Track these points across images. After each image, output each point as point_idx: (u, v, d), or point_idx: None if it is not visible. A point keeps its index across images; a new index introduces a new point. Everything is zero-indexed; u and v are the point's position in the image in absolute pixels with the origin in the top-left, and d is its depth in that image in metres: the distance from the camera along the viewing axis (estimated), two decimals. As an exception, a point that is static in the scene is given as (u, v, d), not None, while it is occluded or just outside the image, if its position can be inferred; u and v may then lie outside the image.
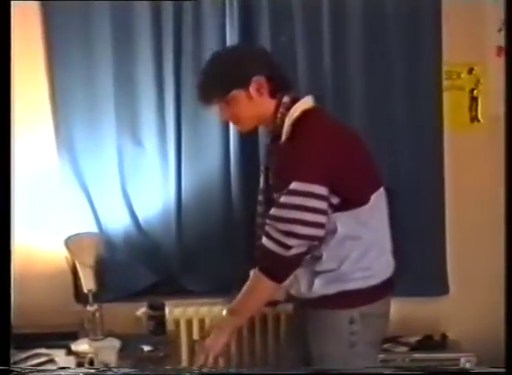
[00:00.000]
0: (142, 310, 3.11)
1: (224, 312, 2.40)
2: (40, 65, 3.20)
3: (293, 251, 2.20)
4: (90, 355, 2.59)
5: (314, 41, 3.17)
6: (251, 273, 2.36)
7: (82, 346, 2.84)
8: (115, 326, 3.03)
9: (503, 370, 1.76)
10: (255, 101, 2.33)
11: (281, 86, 2.36)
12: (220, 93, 2.35)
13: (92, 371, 1.95)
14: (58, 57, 3.19)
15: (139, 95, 3.23)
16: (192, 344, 3.26)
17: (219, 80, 2.35)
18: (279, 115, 2.33)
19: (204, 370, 2.33)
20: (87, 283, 2.95)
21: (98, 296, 3.01)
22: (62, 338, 2.91)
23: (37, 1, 3.17)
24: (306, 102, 2.35)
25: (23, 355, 2.68)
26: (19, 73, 3.10)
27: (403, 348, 3.12)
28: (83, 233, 3.08)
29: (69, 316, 3.11)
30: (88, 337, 2.93)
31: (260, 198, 2.48)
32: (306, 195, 2.17)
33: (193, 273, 3.30)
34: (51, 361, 2.67)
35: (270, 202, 2.30)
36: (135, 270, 3.29)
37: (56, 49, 3.19)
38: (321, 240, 2.23)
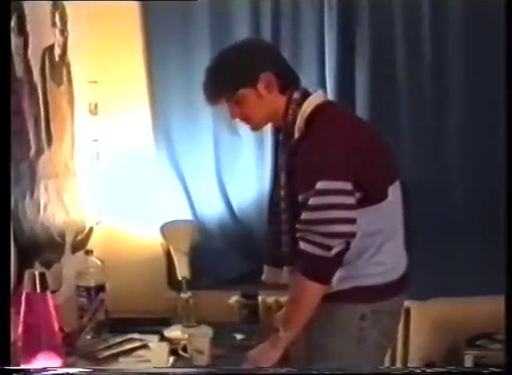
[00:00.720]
0: (235, 298, 3.11)
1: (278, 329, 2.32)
2: (138, 55, 3.23)
3: (334, 251, 2.16)
4: (183, 342, 2.61)
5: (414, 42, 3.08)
6: (285, 276, 2.38)
7: (175, 332, 2.86)
8: (207, 313, 3.04)
9: (503, 370, 1.71)
10: (265, 99, 2.29)
11: (290, 81, 2.33)
12: (228, 92, 2.31)
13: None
14: (156, 47, 3.21)
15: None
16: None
17: (226, 78, 2.30)
18: (290, 111, 2.28)
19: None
20: (182, 271, 2.97)
21: (192, 283, 3.03)
22: (155, 324, 2.94)
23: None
24: (317, 97, 2.31)
25: (118, 339, 2.70)
26: (116, 64, 3.17)
27: (497, 345, 3.03)
28: (179, 221, 3.11)
29: (161, 302, 3.14)
30: (181, 323, 2.94)
31: (275, 197, 2.44)
32: (334, 193, 2.14)
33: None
34: (145, 346, 2.69)
35: (291, 202, 2.29)
36: (229, 258, 3.29)
37: (154, 39, 3.21)
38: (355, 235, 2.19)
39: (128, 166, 3.25)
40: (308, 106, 2.25)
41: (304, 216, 2.18)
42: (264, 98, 2.28)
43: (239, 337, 2.83)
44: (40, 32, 2.50)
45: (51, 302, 2.00)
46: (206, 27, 3.18)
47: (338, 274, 2.24)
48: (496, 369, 1.82)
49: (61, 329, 2.10)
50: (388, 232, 2.30)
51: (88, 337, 2.63)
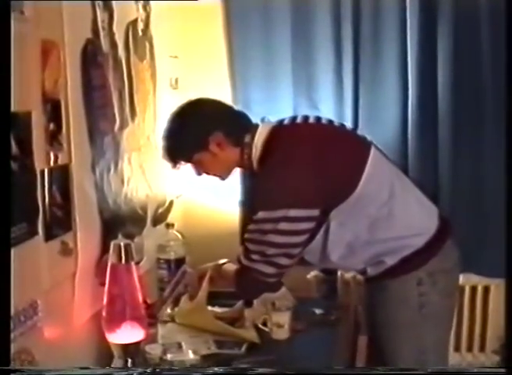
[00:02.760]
0: (313, 273, 3.10)
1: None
2: (218, 29, 3.24)
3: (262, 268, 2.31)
4: (264, 316, 2.61)
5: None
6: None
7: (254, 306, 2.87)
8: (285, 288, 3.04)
9: (503, 370, 1.66)
10: (220, 157, 2.35)
11: (241, 132, 2.36)
12: (184, 158, 2.39)
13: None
14: (236, 20, 3.21)
15: (316, 58, 3.21)
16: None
17: (179, 148, 2.37)
18: (245, 156, 2.34)
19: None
20: (261, 245, 2.96)
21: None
22: (233, 298, 2.94)
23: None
24: (262, 132, 2.33)
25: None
26: (197, 39, 3.18)
27: None
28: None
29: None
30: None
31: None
32: (272, 221, 2.23)
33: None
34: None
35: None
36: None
37: (235, 13, 3.21)
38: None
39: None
40: (256, 147, 2.32)
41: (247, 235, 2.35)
42: (218, 155, 2.35)
43: (318, 311, 2.82)
44: (125, 6, 2.51)
45: (135, 273, 2.03)
46: (287, 2, 3.16)
47: (380, 253, 2.33)
48: (496, 369, 1.81)
49: (144, 300, 2.12)
50: (389, 199, 2.31)
51: (168, 309, 2.67)
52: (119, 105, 2.43)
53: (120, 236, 2.41)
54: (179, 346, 2.41)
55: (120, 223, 2.46)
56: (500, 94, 3.00)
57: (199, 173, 2.46)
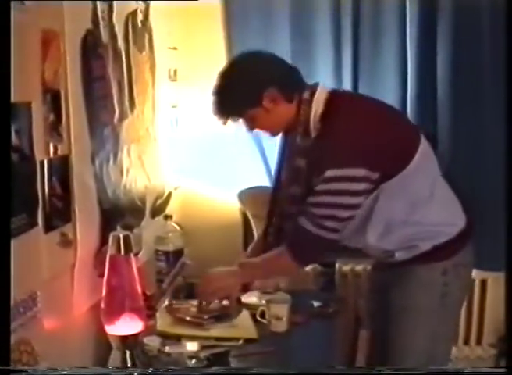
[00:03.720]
0: (311, 266, 3.11)
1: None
2: (217, 21, 3.23)
3: (331, 235, 2.24)
4: (262, 308, 2.61)
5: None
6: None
7: (252, 298, 2.86)
8: (283, 280, 3.03)
9: (503, 370, 1.67)
10: (274, 112, 2.28)
11: (295, 87, 2.31)
12: (236, 114, 2.33)
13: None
14: (236, 12, 3.21)
15: (315, 52, 3.24)
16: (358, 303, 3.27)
17: (231, 103, 2.31)
18: (301, 112, 2.28)
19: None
20: (260, 237, 2.96)
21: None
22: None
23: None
24: (322, 92, 2.29)
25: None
26: (196, 30, 3.17)
27: None
28: (257, 187, 3.12)
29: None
30: (258, 290, 2.95)
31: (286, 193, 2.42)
32: (341, 180, 2.17)
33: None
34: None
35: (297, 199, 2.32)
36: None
37: (234, 6, 3.22)
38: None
39: (207, 132, 3.26)
40: (318, 105, 2.26)
41: (310, 199, 2.25)
42: (272, 111, 2.28)
43: (316, 304, 2.82)
44: (124, -3, 2.51)
45: (134, 265, 2.02)
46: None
47: (415, 237, 2.32)
48: (496, 370, 1.81)
49: (142, 292, 2.11)
50: (432, 183, 2.34)
51: (166, 301, 2.67)
52: (118, 96, 2.42)
53: (119, 227, 2.41)
54: (178, 338, 2.41)
55: (119, 215, 2.45)
56: (500, 86, 3.01)
57: (251, 129, 2.42)
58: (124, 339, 2.03)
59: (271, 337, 2.51)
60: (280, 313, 2.54)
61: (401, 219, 2.32)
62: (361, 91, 3.20)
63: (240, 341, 2.42)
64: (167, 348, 2.31)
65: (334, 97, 2.30)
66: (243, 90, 2.27)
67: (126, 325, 2.02)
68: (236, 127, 3.15)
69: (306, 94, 2.29)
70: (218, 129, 3.20)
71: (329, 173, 2.17)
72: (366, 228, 2.33)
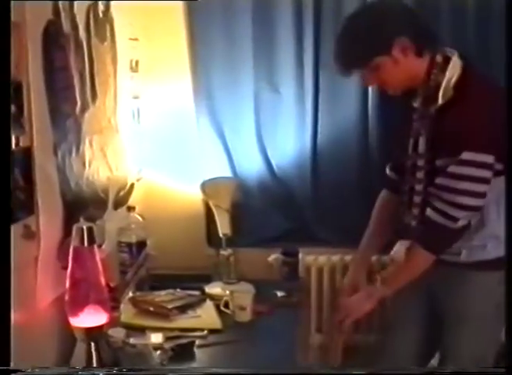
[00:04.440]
0: (274, 256, 3.13)
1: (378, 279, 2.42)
2: (179, 12, 3.21)
3: (460, 223, 2.18)
4: (225, 298, 2.62)
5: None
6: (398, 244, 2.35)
7: (216, 289, 2.88)
8: (247, 271, 3.05)
9: (503, 370, 1.70)
10: (401, 64, 2.20)
11: (427, 43, 2.23)
12: (361, 61, 2.23)
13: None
14: (198, 3, 3.18)
15: (277, 42, 3.21)
16: (321, 292, 3.29)
17: (358, 47, 2.21)
18: (432, 76, 2.21)
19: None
20: (223, 227, 2.97)
21: (232, 241, 3.03)
22: (195, 280, 2.95)
23: None
24: (457, 62, 2.21)
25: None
26: (158, 21, 3.16)
27: None
28: (220, 178, 3.12)
29: (201, 259, 3.15)
30: (221, 280, 2.96)
31: (410, 164, 2.33)
32: (477, 165, 2.11)
33: (326, 221, 3.30)
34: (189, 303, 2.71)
35: (429, 169, 2.24)
36: (269, 217, 3.32)
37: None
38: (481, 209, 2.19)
39: (169, 124, 3.26)
40: (454, 72, 2.19)
41: (439, 181, 2.18)
42: (400, 63, 2.20)
43: (279, 294, 2.84)
44: (85, -13, 2.49)
45: (98, 256, 2.02)
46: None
47: (487, 244, 2.29)
48: (496, 369, 1.83)
49: (106, 284, 2.11)
50: None
51: (130, 292, 2.67)
52: (80, 87, 2.40)
53: (82, 219, 2.39)
54: (142, 329, 2.41)
55: (82, 207, 2.44)
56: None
57: (369, 83, 2.37)
58: (88, 331, 2.03)
59: (235, 327, 2.53)
60: (244, 303, 2.56)
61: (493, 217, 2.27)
62: (323, 79, 3.20)
63: (205, 332, 2.43)
64: (132, 340, 2.31)
65: (471, 69, 2.21)
66: (374, 34, 2.18)
67: (91, 317, 2.02)
68: (201, 119, 3.20)
69: (439, 57, 2.21)
70: (180, 120, 3.25)
71: (466, 155, 2.11)
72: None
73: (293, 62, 3.19)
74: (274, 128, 3.28)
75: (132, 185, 3.08)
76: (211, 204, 3.02)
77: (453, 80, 2.17)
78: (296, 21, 3.15)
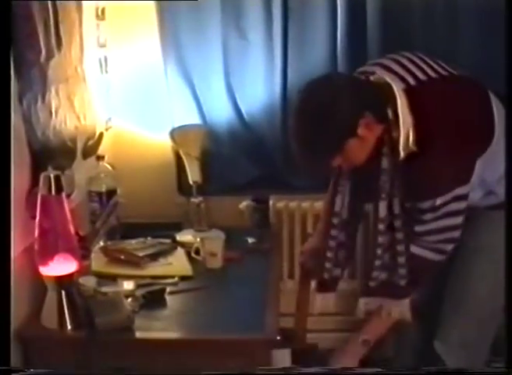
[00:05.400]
0: (245, 203, 3.14)
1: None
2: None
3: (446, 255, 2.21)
4: (196, 245, 2.64)
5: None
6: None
7: (187, 236, 2.89)
8: (218, 218, 3.06)
9: (503, 370, 1.73)
10: (367, 140, 2.10)
11: (383, 104, 2.12)
12: (331, 152, 2.12)
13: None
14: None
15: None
16: (293, 239, 3.32)
17: (324, 141, 2.08)
18: (386, 137, 2.13)
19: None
20: (193, 175, 2.97)
21: (202, 188, 3.04)
22: (166, 228, 2.96)
23: None
24: (402, 102, 2.09)
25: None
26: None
27: None
28: (189, 125, 3.10)
29: (172, 207, 3.18)
30: (192, 228, 2.97)
31: (381, 227, 2.23)
32: (465, 198, 2.13)
33: (296, 167, 3.29)
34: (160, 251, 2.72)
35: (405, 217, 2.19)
36: (239, 164, 3.31)
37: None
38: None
39: (137, 72, 3.23)
40: (404, 123, 2.07)
41: (417, 229, 2.19)
42: (366, 139, 2.09)
43: (250, 240, 2.86)
44: None
45: (66, 205, 2.01)
46: None
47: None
48: (495, 369, 1.85)
49: (76, 232, 2.11)
50: None
51: (101, 241, 2.67)
52: (44, 35, 2.36)
53: (50, 169, 2.38)
54: (113, 278, 2.42)
55: (50, 156, 2.42)
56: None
57: (338, 165, 2.22)
58: (59, 279, 2.04)
59: (206, 273, 2.55)
60: (215, 250, 2.58)
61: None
62: (291, 24, 3.16)
63: (176, 279, 2.45)
64: (103, 288, 2.32)
65: (414, 102, 2.10)
66: (338, 124, 2.06)
67: (60, 265, 2.02)
68: (169, 67, 3.17)
69: (389, 112, 2.10)
70: (147, 67, 3.21)
71: (440, 200, 2.10)
72: None
73: (261, 8, 3.14)
74: (243, 74, 3.25)
75: (101, 134, 3.06)
76: (180, 152, 3.01)
77: (410, 132, 2.07)
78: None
